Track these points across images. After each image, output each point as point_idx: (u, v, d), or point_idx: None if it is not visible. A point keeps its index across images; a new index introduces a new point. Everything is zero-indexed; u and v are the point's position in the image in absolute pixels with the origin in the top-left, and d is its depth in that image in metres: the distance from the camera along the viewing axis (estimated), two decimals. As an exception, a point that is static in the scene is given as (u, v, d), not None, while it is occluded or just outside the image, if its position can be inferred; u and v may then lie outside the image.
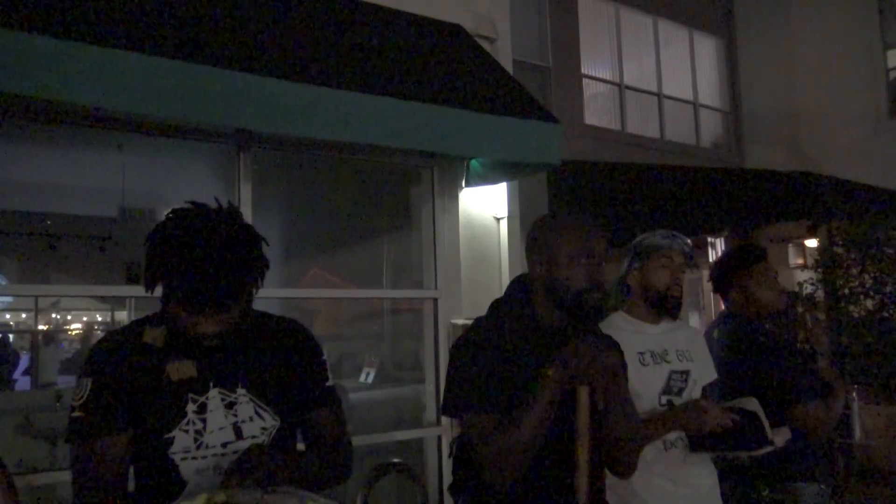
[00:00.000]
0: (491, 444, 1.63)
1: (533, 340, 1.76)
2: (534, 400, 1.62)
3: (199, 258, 1.42)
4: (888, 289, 6.28)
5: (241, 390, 1.60)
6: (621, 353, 1.87)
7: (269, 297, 3.46)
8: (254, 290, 1.56)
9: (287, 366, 1.68)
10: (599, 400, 1.66)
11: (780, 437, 2.30)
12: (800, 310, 6.71)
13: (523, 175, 4.55)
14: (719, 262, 2.93)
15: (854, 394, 4.54)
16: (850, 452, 5.98)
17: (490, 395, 1.67)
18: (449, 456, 1.88)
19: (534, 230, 1.86)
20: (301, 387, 1.70)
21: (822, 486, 2.65)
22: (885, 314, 6.28)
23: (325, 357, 1.78)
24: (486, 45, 4.98)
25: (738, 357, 2.63)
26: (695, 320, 9.15)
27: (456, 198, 4.62)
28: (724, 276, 2.84)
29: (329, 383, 1.76)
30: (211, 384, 1.58)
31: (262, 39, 3.62)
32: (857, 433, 6.10)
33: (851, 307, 6.44)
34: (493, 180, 4.60)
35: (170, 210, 1.54)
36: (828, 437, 2.78)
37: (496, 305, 1.88)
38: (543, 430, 1.63)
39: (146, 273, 1.49)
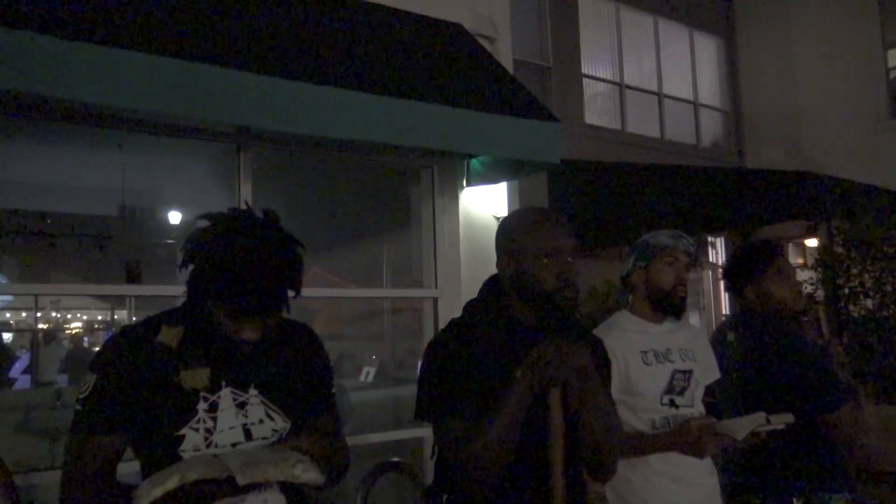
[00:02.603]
0: (461, 449, 1.60)
1: (506, 340, 1.72)
2: (503, 403, 1.58)
3: (251, 265, 1.48)
4: (888, 288, 6.28)
5: (253, 391, 1.61)
6: (604, 355, 1.86)
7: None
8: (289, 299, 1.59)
9: (298, 369, 1.70)
10: (572, 401, 1.63)
11: (782, 419, 2.23)
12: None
13: (523, 174, 4.55)
14: (733, 260, 2.82)
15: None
16: (850, 450, 5.96)
17: (461, 399, 1.64)
18: (431, 457, 1.85)
19: (501, 229, 1.84)
20: (309, 391, 1.71)
21: (851, 496, 2.51)
22: (885, 314, 6.28)
23: (331, 364, 1.80)
24: (486, 45, 4.98)
25: (765, 357, 2.50)
26: (695, 320, 9.15)
27: (456, 197, 4.62)
28: (738, 273, 2.71)
29: (333, 390, 1.78)
30: (223, 383, 1.58)
31: (263, 38, 3.62)
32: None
33: (851, 307, 6.44)
34: (493, 179, 4.60)
35: (206, 214, 1.59)
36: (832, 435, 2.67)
37: (470, 306, 1.85)
38: (514, 433, 1.59)
39: (191, 278, 1.56)
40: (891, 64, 10.89)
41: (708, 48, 11.47)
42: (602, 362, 1.85)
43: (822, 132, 10.96)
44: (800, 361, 2.46)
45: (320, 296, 4.64)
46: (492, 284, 1.86)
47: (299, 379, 1.69)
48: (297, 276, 1.57)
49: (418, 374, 1.77)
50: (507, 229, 1.82)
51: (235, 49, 3.37)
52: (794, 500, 2.43)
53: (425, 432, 4.49)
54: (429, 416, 1.70)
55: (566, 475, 1.63)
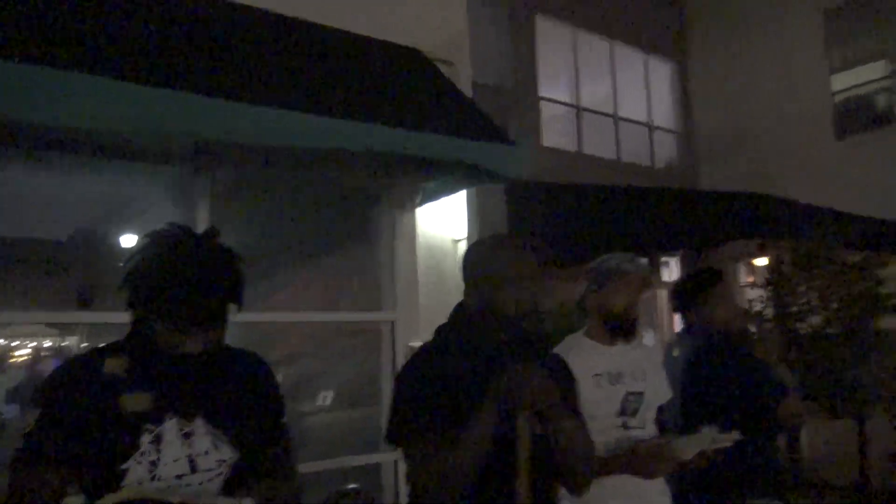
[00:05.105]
0: (430, 473, 1.65)
1: (474, 367, 1.75)
2: (472, 428, 1.63)
3: (188, 276, 1.50)
4: (833, 305, 6.47)
5: (199, 420, 1.59)
6: (568, 374, 1.90)
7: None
8: (229, 313, 1.61)
9: (247, 398, 1.69)
10: (535, 426, 1.68)
11: (728, 437, 2.33)
12: (752, 328, 6.87)
13: (479, 184, 4.58)
14: (678, 284, 3.08)
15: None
16: (798, 466, 6.13)
17: (429, 424, 1.68)
18: (407, 481, 1.88)
19: (467, 256, 1.89)
20: (258, 422, 1.70)
21: (778, 502, 2.73)
22: (830, 330, 6.46)
23: (282, 394, 1.80)
24: (445, 69, 5.04)
25: (704, 373, 2.71)
26: (650, 338, 9.28)
27: (413, 219, 4.64)
28: (684, 297, 2.96)
29: (284, 419, 1.77)
30: (168, 414, 1.56)
31: (223, 61, 3.62)
32: (805, 447, 6.26)
33: (799, 324, 6.61)
34: (447, 193, 4.61)
35: (147, 233, 1.61)
36: (777, 452, 2.86)
37: (440, 332, 1.90)
38: (481, 456, 1.64)
39: (130, 296, 1.56)
40: (835, 88, 11.33)
41: (662, 72, 11.77)
42: (567, 382, 1.90)
43: (772, 154, 11.31)
44: (737, 366, 2.70)
45: (276, 320, 4.60)
46: (460, 311, 1.90)
47: (248, 408, 1.68)
48: (237, 289, 1.59)
49: (392, 398, 1.81)
50: (472, 258, 1.87)
51: (194, 72, 3.36)
52: None
53: (383, 458, 4.46)
54: (400, 439, 1.75)
55: (534, 496, 1.67)
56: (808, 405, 5.49)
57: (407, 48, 4.86)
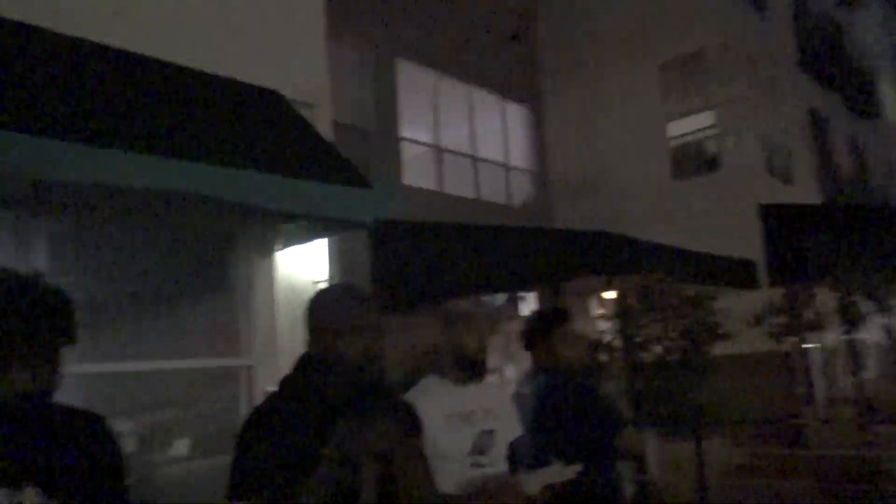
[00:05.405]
0: None
1: (316, 419, 1.75)
2: (311, 481, 1.62)
3: (6, 315, 1.51)
4: (672, 335, 7.02)
5: (29, 490, 1.49)
6: (413, 418, 1.95)
7: (70, 372, 3.22)
8: (59, 360, 1.60)
9: (82, 465, 1.59)
10: (378, 471, 1.68)
11: (572, 469, 2.47)
12: (603, 357, 7.30)
13: (337, 233, 4.62)
14: (527, 323, 3.20)
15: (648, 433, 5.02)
16: (645, 489, 6.52)
17: (270, 479, 1.66)
18: None
19: (307, 308, 1.91)
20: (95, 485, 1.61)
21: None
22: (670, 358, 7.00)
23: (123, 458, 1.71)
24: (305, 111, 5.05)
25: (550, 409, 2.86)
26: (511, 372, 9.60)
27: (272, 262, 4.58)
28: (530, 336, 3.10)
29: (127, 482, 1.69)
30: None
31: (71, 102, 3.45)
32: (650, 468, 6.68)
33: (643, 353, 7.11)
34: (309, 238, 4.61)
35: None
36: (619, 479, 3.06)
37: (284, 383, 1.89)
38: None
39: None
40: (671, 134, 12.42)
41: (517, 115, 12.38)
42: (414, 429, 1.94)
43: (618, 193, 12.18)
44: (581, 408, 2.88)
45: (125, 370, 4.36)
46: (303, 361, 1.90)
47: (83, 473, 1.59)
48: (65, 324, 1.60)
49: (233, 452, 1.76)
50: (312, 308, 1.89)
51: (32, 111, 3.18)
52: None
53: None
54: (241, 495, 1.69)
55: None
56: (647, 431, 5.91)
57: (266, 90, 4.83)
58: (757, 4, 13.23)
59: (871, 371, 12.42)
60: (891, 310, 11.49)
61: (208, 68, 4.49)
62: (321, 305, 1.88)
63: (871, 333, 11.62)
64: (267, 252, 4.58)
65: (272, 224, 4.49)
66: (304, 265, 4.78)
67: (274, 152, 4.13)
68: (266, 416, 1.79)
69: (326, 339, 1.81)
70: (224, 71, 4.57)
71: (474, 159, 11.26)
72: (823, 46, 15.47)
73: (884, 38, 20.86)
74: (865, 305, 9.16)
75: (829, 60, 15.55)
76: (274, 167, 3.84)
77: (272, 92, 4.86)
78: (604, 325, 7.80)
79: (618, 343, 7.34)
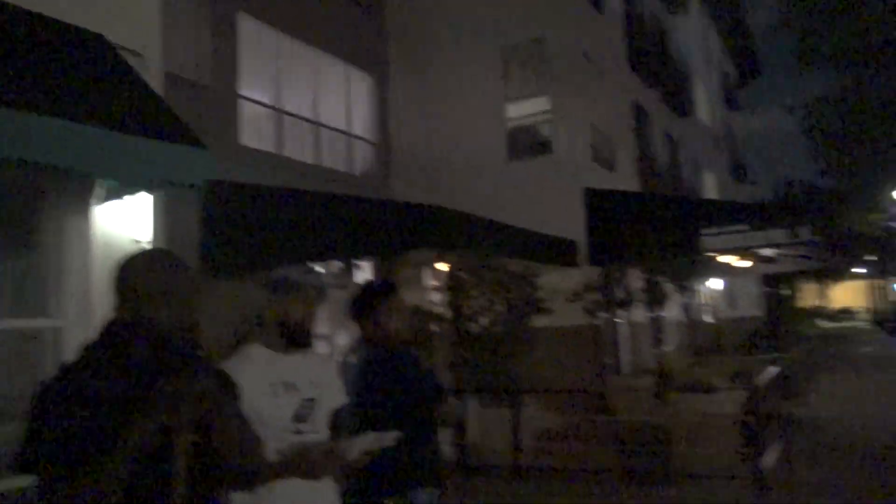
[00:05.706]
0: (70, 501, 1.58)
1: (124, 385, 1.70)
2: (118, 448, 1.59)
3: None
4: (497, 308, 7.42)
5: None
6: (229, 380, 1.95)
7: None
8: None
9: None
10: (187, 439, 1.67)
11: (390, 438, 2.59)
12: (434, 328, 7.57)
13: (163, 190, 4.39)
14: (355, 296, 3.25)
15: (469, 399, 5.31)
16: (463, 453, 6.90)
17: (67, 449, 1.61)
18: None
19: (116, 272, 1.86)
20: None
21: (434, 490, 3.09)
22: (495, 329, 7.41)
23: None
24: (131, 59, 4.73)
25: (373, 379, 2.96)
26: (342, 339, 9.65)
27: (88, 218, 4.29)
28: (357, 307, 3.16)
29: None
30: None
31: None
32: (471, 433, 7.06)
33: (471, 324, 7.46)
34: (132, 193, 4.35)
35: None
36: (437, 445, 3.23)
37: (87, 349, 1.81)
38: (126, 481, 1.60)
39: None
40: (510, 115, 12.92)
41: (362, 83, 12.28)
42: (228, 389, 1.94)
43: (455, 170, 12.51)
44: (403, 379, 3.00)
45: None
46: (109, 327, 1.83)
47: None
48: None
49: (26, 420, 1.66)
50: (122, 273, 1.83)
51: None
52: (387, 500, 2.91)
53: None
54: (34, 466, 1.62)
55: None
56: (470, 399, 6.23)
57: (89, 32, 4.46)
58: (596, 6, 14.07)
59: (669, 345, 13.85)
60: (689, 291, 12.88)
61: (20, 2, 4.07)
62: (134, 270, 1.82)
63: (671, 311, 12.97)
64: (81, 208, 4.27)
65: (88, 178, 4.19)
66: (126, 222, 4.51)
67: (94, 102, 3.83)
68: (64, 382, 1.69)
69: (134, 304, 1.76)
70: (39, 7, 4.16)
71: (316, 125, 11.05)
72: (649, 47, 16.77)
73: (701, 45, 23.00)
74: (668, 286, 10.19)
75: (653, 60, 16.89)
76: (92, 118, 3.58)
77: (96, 35, 4.50)
78: (436, 297, 8.07)
79: (448, 314, 7.64)
